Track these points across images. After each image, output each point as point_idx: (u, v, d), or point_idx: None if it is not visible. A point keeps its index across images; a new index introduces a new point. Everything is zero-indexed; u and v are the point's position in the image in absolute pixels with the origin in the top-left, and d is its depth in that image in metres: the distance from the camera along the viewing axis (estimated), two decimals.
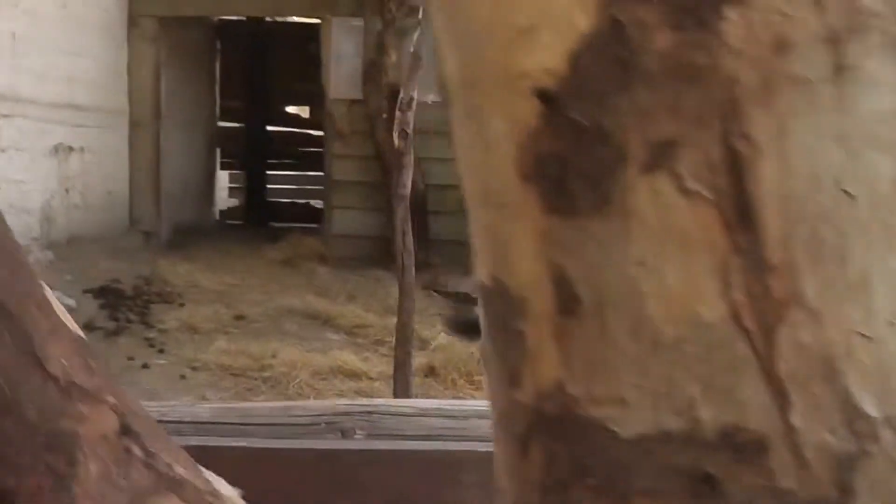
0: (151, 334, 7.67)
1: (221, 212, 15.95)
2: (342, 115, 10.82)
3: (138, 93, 11.49)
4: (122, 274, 9.24)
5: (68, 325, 1.21)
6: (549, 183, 0.69)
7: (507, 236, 0.75)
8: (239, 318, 8.42)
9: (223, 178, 16.71)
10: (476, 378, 6.46)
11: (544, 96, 0.68)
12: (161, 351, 7.34)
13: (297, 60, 14.57)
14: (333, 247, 10.78)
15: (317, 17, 11.85)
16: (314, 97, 13.74)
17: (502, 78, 0.70)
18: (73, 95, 9.93)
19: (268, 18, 14.45)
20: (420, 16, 8.60)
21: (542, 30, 0.67)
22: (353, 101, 10.64)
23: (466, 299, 8.49)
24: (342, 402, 1.92)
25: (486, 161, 0.75)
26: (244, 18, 14.23)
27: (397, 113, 8.74)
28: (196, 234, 12.91)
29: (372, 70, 10.23)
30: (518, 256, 0.74)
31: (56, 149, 9.46)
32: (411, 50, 8.63)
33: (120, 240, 11.16)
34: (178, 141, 12.63)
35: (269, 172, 16.55)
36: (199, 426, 1.70)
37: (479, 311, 0.83)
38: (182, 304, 8.72)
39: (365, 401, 1.95)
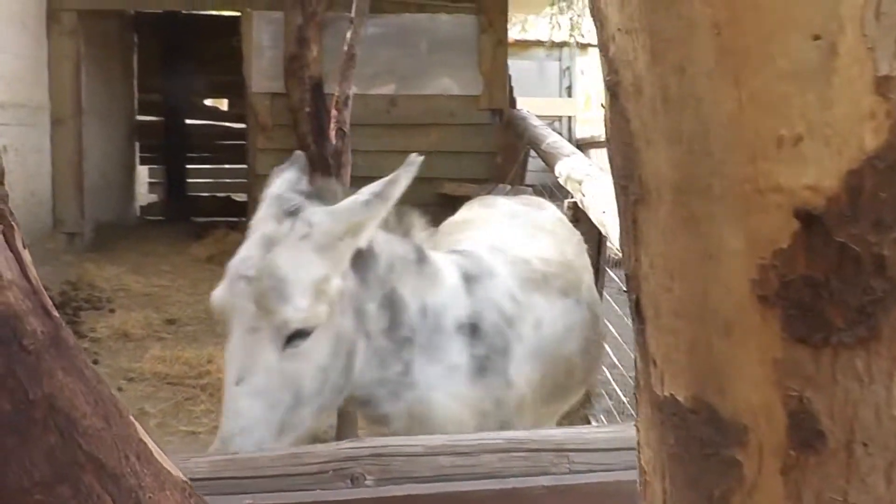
0: (85, 344, 7.38)
1: (142, 207, 15.70)
2: (265, 108, 10.80)
3: (59, 88, 11.20)
4: (49, 280, 9.02)
5: (170, 469, 1.16)
6: (796, 309, 0.63)
7: (727, 358, 0.68)
8: (170, 321, 8.32)
9: (143, 173, 16.48)
10: None
11: (806, 216, 0.61)
12: (95, 362, 7.03)
13: (215, 53, 14.44)
14: None
15: (235, 11, 11.76)
16: (233, 90, 13.67)
17: (745, 190, 0.63)
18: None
19: (184, 12, 14.25)
20: (353, 12, 8.73)
21: (814, 143, 0.60)
22: (276, 95, 10.61)
23: None
24: (348, 446, 1.85)
25: (705, 273, 0.68)
26: (160, 11, 14.01)
27: (334, 112, 8.86)
28: (119, 232, 12.69)
29: (293, 64, 10.20)
30: (740, 382, 0.67)
31: None
32: (345, 48, 8.80)
33: (44, 242, 10.86)
34: (98, 137, 12.40)
35: (188, 167, 16.37)
36: (198, 483, 1.48)
37: (650, 424, 0.78)
38: (112, 310, 8.56)
39: (373, 442, 1.86)
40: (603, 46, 0.76)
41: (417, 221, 2.92)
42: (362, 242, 2.52)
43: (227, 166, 16.12)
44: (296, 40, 10.11)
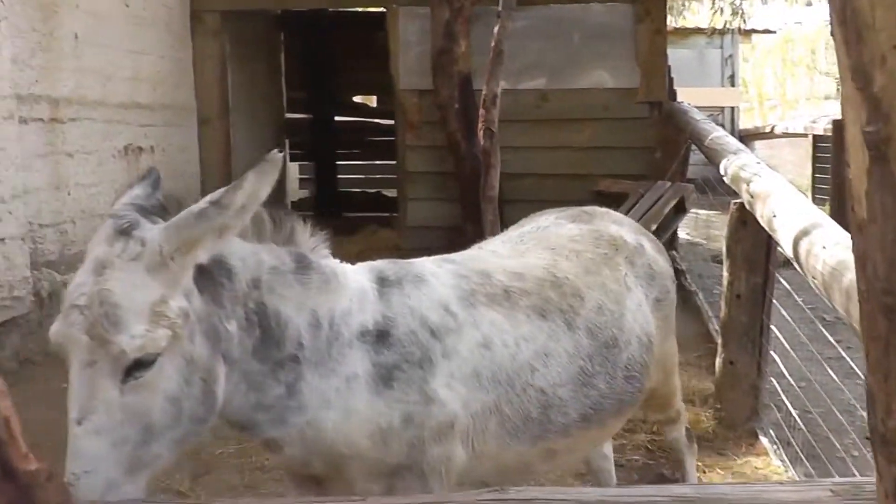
0: None
1: (293, 203, 15.90)
2: (413, 105, 10.59)
3: (205, 89, 11.32)
4: None
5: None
6: None
7: None
8: None
9: (293, 169, 16.68)
10: None
11: None
12: None
13: (363, 50, 14.33)
14: (408, 238, 10.61)
15: (381, 7, 11.60)
16: (381, 86, 13.57)
17: None
18: (140, 95, 9.80)
19: (330, 9, 14.20)
20: (500, 5, 8.39)
21: None
22: (424, 91, 10.38)
23: None
24: (489, 497, 1.63)
25: None
26: (306, 10, 14.00)
27: (481, 111, 8.52)
28: None
29: (441, 59, 9.96)
30: None
31: (125, 150, 9.34)
32: (492, 44, 8.46)
33: None
34: (246, 135, 12.52)
35: (338, 163, 16.40)
36: None
37: None
38: None
39: (517, 493, 1.64)
40: (858, 72, 0.60)
41: (301, 226, 2.55)
42: (202, 258, 2.21)
43: (377, 163, 16.08)
44: (443, 35, 9.88)
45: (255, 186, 2.18)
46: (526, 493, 1.64)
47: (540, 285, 2.94)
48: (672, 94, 10.37)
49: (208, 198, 2.18)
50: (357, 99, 17.22)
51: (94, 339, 2.08)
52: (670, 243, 9.74)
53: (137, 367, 2.09)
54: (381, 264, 2.70)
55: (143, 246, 2.14)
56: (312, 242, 2.56)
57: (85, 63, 8.49)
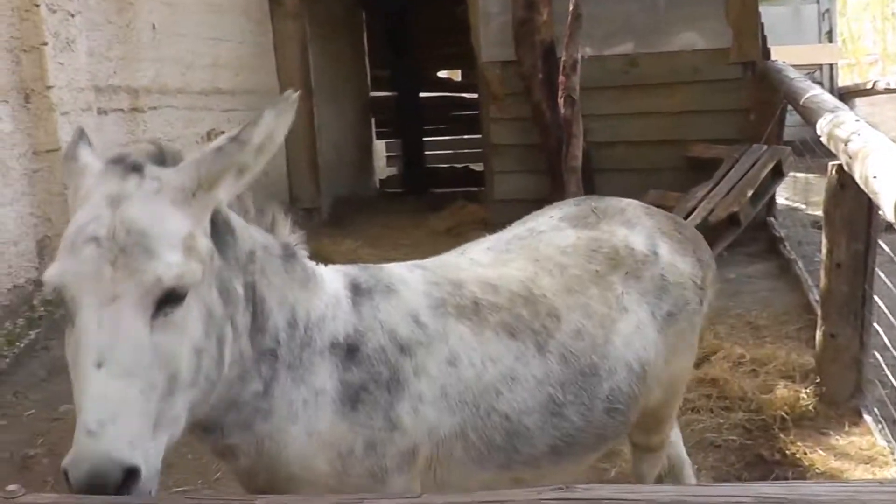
0: None
1: (381, 181, 15.88)
2: (496, 77, 10.36)
3: (286, 71, 11.33)
4: None
5: None
6: None
7: None
8: None
9: (380, 147, 16.65)
10: None
11: None
12: None
13: (445, 24, 14.13)
14: (496, 212, 10.38)
15: None
16: (464, 60, 13.40)
17: None
18: (221, 81, 9.84)
19: None
20: None
21: None
22: (506, 63, 10.15)
23: None
24: (552, 496, 1.49)
25: None
26: None
27: (561, 78, 8.28)
28: (357, 206, 12.82)
29: (523, 29, 9.72)
30: None
31: (209, 135, 9.37)
32: (570, 8, 8.19)
33: None
34: (331, 115, 12.52)
35: (424, 139, 16.29)
36: None
37: None
38: None
39: (584, 492, 1.50)
40: None
41: (282, 218, 2.48)
42: (222, 195, 2.12)
43: (465, 137, 15.92)
44: (524, 5, 9.63)
45: (273, 125, 2.12)
46: (593, 491, 1.53)
47: (512, 301, 2.72)
48: (766, 54, 9.92)
49: (226, 135, 2.14)
50: (442, 74, 17.07)
51: (120, 271, 1.93)
52: (768, 209, 9.37)
53: (169, 300, 1.97)
54: (354, 271, 2.60)
55: (161, 182, 2.05)
56: (293, 238, 2.49)
57: (164, 52, 8.55)
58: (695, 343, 3.39)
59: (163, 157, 2.16)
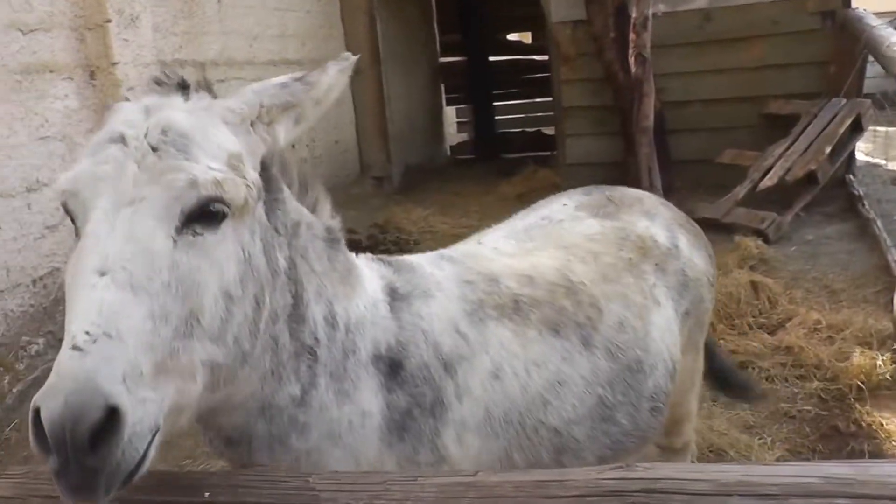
0: None
1: (452, 147, 15.78)
2: (566, 37, 10.17)
3: (354, 39, 11.32)
4: (356, 223, 9.07)
5: None
6: None
7: None
8: None
9: (450, 113, 16.52)
10: (736, 321, 5.79)
11: None
12: None
13: None
14: (568, 176, 10.23)
15: None
16: (535, 22, 13.20)
17: None
18: (288, 51, 9.84)
19: None
20: None
21: None
22: (577, 22, 9.96)
23: (713, 225, 7.80)
24: (613, 476, 1.46)
25: None
26: None
27: (632, 35, 8.06)
28: (427, 173, 12.75)
29: None
30: None
31: None
32: None
33: (351, 188, 11.13)
34: (400, 83, 12.44)
35: (495, 104, 16.12)
36: None
37: None
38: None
39: (646, 472, 1.46)
40: None
41: (325, 201, 2.22)
42: (280, 136, 1.93)
43: (534, 100, 15.71)
44: None
45: (335, 80, 1.97)
46: (655, 470, 1.47)
47: (552, 292, 2.50)
48: (846, 1, 9.55)
49: (290, 75, 1.98)
50: (512, 37, 16.84)
51: (145, 171, 1.67)
52: (847, 166, 9.06)
53: (202, 217, 1.69)
54: (386, 271, 2.30)
55: (213, 101, 1.88)
56: (334, 223, 2.21)
57: (230, 25, 8.56)
58: (701, 344, 3.20)
59: (212, 92, 1.95)
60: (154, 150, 1.69)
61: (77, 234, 1.74)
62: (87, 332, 1.49)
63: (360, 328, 2.10)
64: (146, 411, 1.53)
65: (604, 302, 2.58)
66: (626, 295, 2.66)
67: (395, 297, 2.22)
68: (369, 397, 2.06)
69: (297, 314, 1.99)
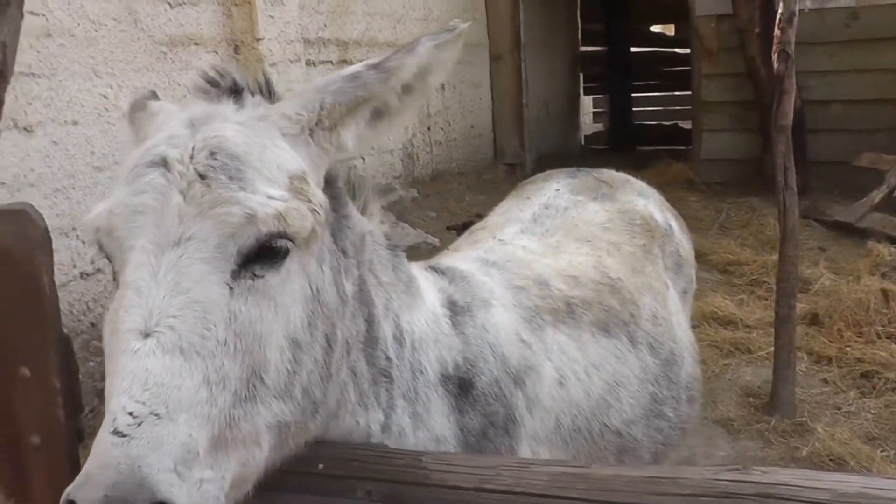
0: None
1: (586, 137, 15.70)
2: (710, 31, 10.06)
3: (497, 25, 11.38)
4: (486, 208, 9.10)
5: None
6: None
7: None
8: None
9: (587, 102, 16.44)
10: (864, 329, 5.64)
11: None
12: None
13: None
14: (703, 171, 10.16)
15: None
16: (680, 14, 13.02)
17: None
18: (430, 34, 9.97)
19: None
20: None
21: None
22: (721, 16, 9.82)
23: (846, 229, 7.60)
24: (729, 477, 1.42)
25: None
26: None
27: (776, 31, 7.92)
28: (560, 162, 12.58)
29: None
30: None
31: None
32: None
33: (484, 172, 11.20)
34: (539, 70, 12.46)
35: (633, 95, 15.98)
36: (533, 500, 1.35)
37: None
38: None
39: (763, 476, 1.41)
40: None
41: (375, 202, 1.92)
42: (348, 141, 1.61)
43: (673, 94, 15.52)
44: None
45: (428, 58, 1.62)
46: (772, 475, 1.42)
47: (598, 291, 2.39)
48: None
49: (366, 61, 1.64)
50: (655, 28, 16.65)
51: (191, 204, 1.40)
52: None
53: (262, 256, 1.43)
54: (441, 281, 2.08)
55: (268, 109, 1.60)
56: (387, 227, 1.95)
57: (375, 6, 8.73)
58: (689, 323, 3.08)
59: (270, 92, 1.68)
60: (202, 177, 1.43)
61: (115, 278, 1.50)
62: (130, 413, 1.26)
63: (424, 346, 1.89)
64: (204, 494, 1.31)
65: (638, 296, 2.52)
66: (652, 285, 2.61)
67: (455, 310, 2.01)
68: (442, 421, 1.88)
69: (370, 337, 1.77)
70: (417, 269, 2.06)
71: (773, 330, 5.05)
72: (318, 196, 1.55)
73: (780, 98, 8.05)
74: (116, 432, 1.24)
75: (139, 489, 1.21)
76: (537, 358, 2.10)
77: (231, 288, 1.40)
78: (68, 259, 5.27)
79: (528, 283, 2.27)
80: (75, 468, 1.77)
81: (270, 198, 1.42)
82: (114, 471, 1.21)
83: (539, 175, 3.23)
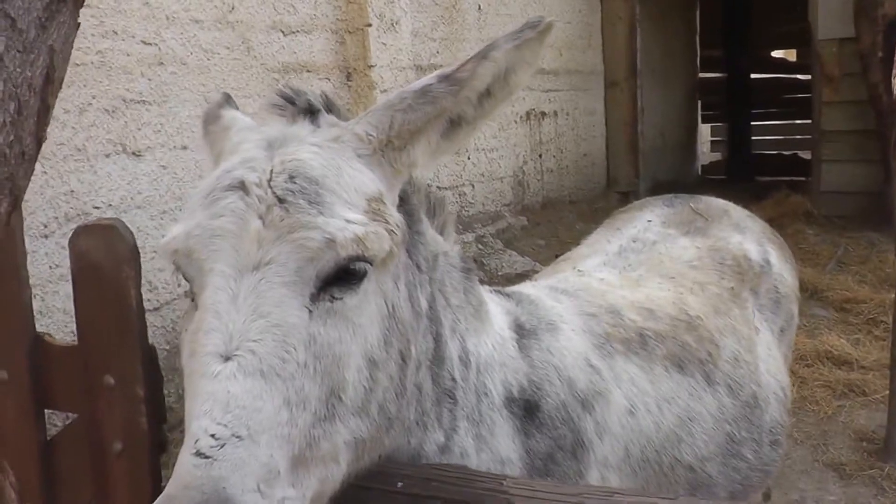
0: None
1: (703, 167, 15.43)
2: (831, 56, 9.76)
3: (612, 51, 11.32)
4: None
5: None
6: None
7: None
8: None
9: (705, 131, 16.17)
10: None
11: None
12: None
13: (781, 1, 13.48)
14: (821, 204, 9.83)
15: None
16: (802, 39, 12.73)
17: None
18: (545, 61, 9.94)
19: None
20: None
21: None
22: (844, 40, 9.52)
23: None
24: None
25: None
26: None
27: None
28: (676, 191, 12.45)
29: (865, 2, 9.05)
30: None
31: (528, 115, 9.51)
32: None
33: (596, 201, 11.10)
34: (655, 97, 12.30)
35: (752, 123, 15.64)
36: None
37: None
38: None
39: None
40: None
41: (452, 224, 1.92)
42: (420, 158, 1.60)
43: (794, 122, 15.15)
44: None
45: (506, 60, 1.58)
46: None
47: (675, 327, 2.34)
48: None
49: (437, 72, 1.61)
50: (776, 54, 16.29)
51: (270, 228, 1.41)
52: None
53: (340, 280, 1.44)
54: (508, 304, 2.10)
55: (342, 130, 1.59)
56: (459, 250, 1.97)
57: (488, 33, 8.79)
58: (789, 358, 3.00)
59: (332, 109, 1.69)
60: (281, 201, 1.43)
61: (192, 298, 1.52)
62: (212, 436, 1.27)
63: (489, 369, 1.89)
64: None
65: (718, 336, 2.46)
66: (736, 328, 2.54)
67: (521, 333, 2.02)
68: (507, 444, 1.87)
69: (438, 356, 1.78)
70: (486, 293, 2.05)
71: (889, 372, 4.84)
72: (395, 216, 1.55)
73: (892, 127, 7.76)
74: (199, 454, 1.25)
75: None
76: (606, 385, 2.09)
77: (310, 311, 1.41)
78: (172, 278, 5.38)
79: (600, 311, 2.26)
80: (156, 476, 1.90)
81: (349, 222, 1.44)
82: (197, 492, 1.22)
83: (635, 203, 3.21)
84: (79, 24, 1.42)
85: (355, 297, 1.46)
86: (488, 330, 1.93)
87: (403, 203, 1.68)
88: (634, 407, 2.13)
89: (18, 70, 1.28)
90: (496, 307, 2.03)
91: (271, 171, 1.47)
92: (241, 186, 1.46)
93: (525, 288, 2.31)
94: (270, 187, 1.45)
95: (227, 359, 1.34)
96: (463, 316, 1.87)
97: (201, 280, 1.45)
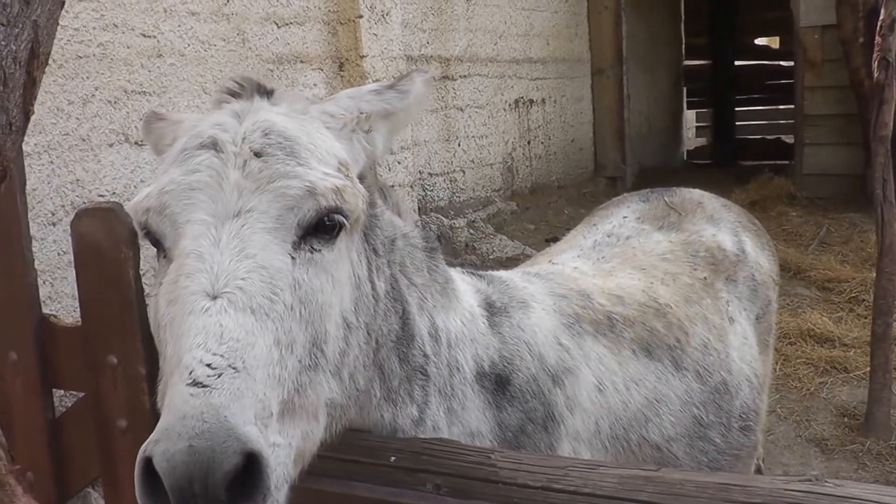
0: None
1: (689, 151, 15.59)
2: (813, 42, 9.90)
3: (599, 40, 11.43)
4: None
5: None
6: None
7: None
8: None
9: (690, 117, 16.31)
10: None
11: None
12: None
13: None
14: (804, 186, 9.99)
15: None
16: (784, 26, 12.87)
17: None
18: (532, 50, 10.07)
19: None
20: None
21: None
22: (826, 27, 9.67)
23: None
24: (799, 488, 1.39)
25: None
26: None
27: (877, 38, 7.78)
28: (661, 177, 12.65)
29: None
30: None
31: (516, 103, 9.64)
32: None
33: (584, 186, 11.24)
34: (641, 84, 12.44)
35: (737, 109, 15.80)
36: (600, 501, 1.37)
37: None
38: None
39: (833, 486, 1.38)
40: None
41: (405, 204, 2.01)
42: (379, 144, 1.72)
43: (780, 107, 15.30)
44: None
45: (423, 91, 1.78)
46: (845, 488, 1.38)
47: (643, 313, 2.40)
48: None
49: (380, 83, 1.81)
50: (760, 41, 16.43)
51: (249, 178, 1.45)
52: None
53: (319, 230, 1.48)
54: (479, 283, 2.17)
55: (307, 107, 1.69)
56: (420, 230, 2.03)
57: (477, 23, 8.89)
58: (771, 344, 3.06)
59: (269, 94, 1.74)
60: (257, 154, 1.48)
61: (165, 256, 1.51)
62: (209, 365, 1.25)
63: (460, 344, 1.94)
64: (277, 459, 1.32)
65: (688, 325, 2.52)
66: (707, 317, 2.61)
67: (492, 310, 2.07)
68: (478, 417, 1.90)
69: (406, 335, 1.82)
70: (456, 273, 2.12)
71: (870, 349, 4.97)
72: (360, 187, 1.61)
73: (879, 108, 7.90)
74: (196, 383, 1.23)
75: (228, 438, 1.19)
76: (575, 363, 2.14)
77: (293, 258, 1.44)
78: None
79: (570, 294, 2.32)
80: None
81: (327, 174, 1.49)
82: (197, 420, 1.19)
83: (614, 199, 3.28)
84: (63, 2, 1.50)
85: (332, 252, 1.51)
86: (456, 307, 1.98)
87: (361, 183, 1.70)
88: (603, 385, 2.18)
89: (3, 43, 1.34)
90: (465, 286, 2.09)
91: (244, 132, 1.52)
92: (214, 145, 1.50)
93: (499, 272, 2.39)
94: (245, 143, 1.49)
95: (214, 297, 1.34)
96: (430, 294, 1.91)
97: (176, 232, 1.46)
